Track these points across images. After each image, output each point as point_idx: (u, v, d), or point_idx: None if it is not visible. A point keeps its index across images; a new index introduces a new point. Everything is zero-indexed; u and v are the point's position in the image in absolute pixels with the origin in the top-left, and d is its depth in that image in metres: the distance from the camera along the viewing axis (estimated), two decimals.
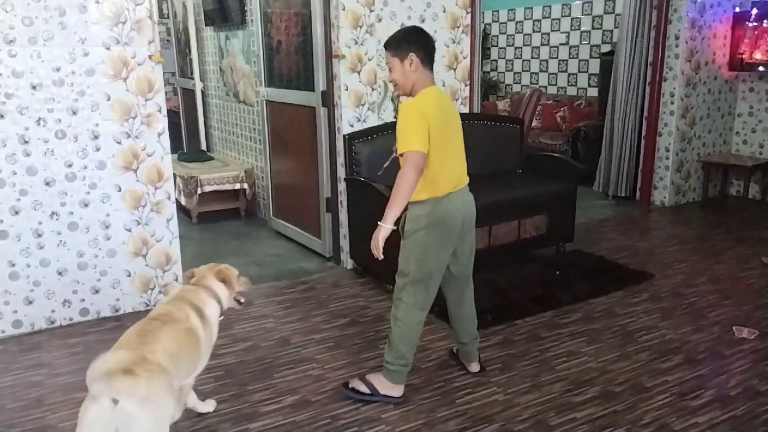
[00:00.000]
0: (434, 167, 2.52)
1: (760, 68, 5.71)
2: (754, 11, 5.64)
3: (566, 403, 2.74)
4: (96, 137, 3.45)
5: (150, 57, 3.50)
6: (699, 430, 2.55)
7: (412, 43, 2.54)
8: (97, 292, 3.62)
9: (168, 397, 2.02)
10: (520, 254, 4.45)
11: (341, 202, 4.33)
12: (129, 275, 3.68)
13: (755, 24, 5.67)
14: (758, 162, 5.89)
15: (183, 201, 5.50)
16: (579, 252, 4.62)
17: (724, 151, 6.24)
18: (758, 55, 5.70)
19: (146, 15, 3.46)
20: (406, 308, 2.67)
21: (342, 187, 4.29)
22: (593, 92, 7.41)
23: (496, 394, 2.81)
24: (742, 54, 5.80)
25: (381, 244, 2.51)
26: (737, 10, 5.81)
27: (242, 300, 2.64)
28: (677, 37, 5.60)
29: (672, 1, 5.57)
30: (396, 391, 2.75)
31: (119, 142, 3.51)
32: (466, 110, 4.72)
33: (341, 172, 4.27)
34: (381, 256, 2.53)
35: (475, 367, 2.97)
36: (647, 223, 5.55)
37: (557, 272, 4.24)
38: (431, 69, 2.61)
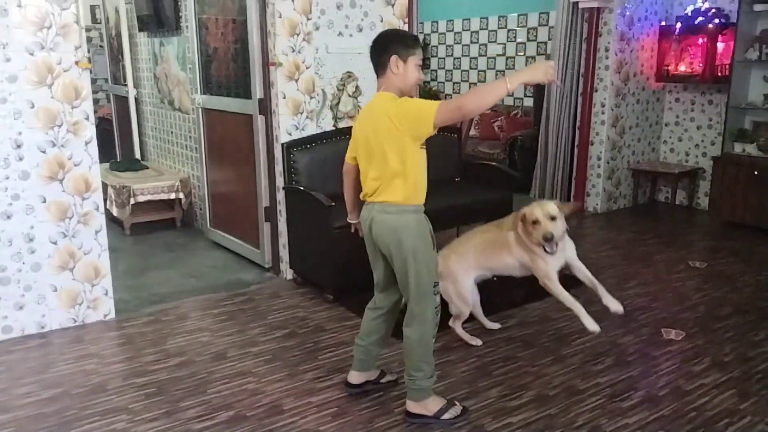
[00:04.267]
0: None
1: (685, 79, 5.97)
2: (678, 25, 5.91)
3: (502, 408, 2.77)
4: (19, 146, 3.30)
5: (77, 63, 3.38)
6: (629, 430, 2.62)
7: None
8: (21, 308, 3.45)
9: (459, 275, 3.26)
10: None
11: (280, 211, 4.28)
12: (55, 290, 3.52)
13: (679, 37, 5.94)
14: (684, 169, 6.15)
15: (115, 212, 5.32)
16: None
17: (653, 159, 6.49)
18: (683, 67, 5.97)
19: (72, 20, 3.34)
20: None
21: (281, 196, 4.24)
22: (529, 102, 7.58)
23: None
24: (668, 66, 6.06)
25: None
26: (663, 23, 6.08)
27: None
28: (607, 50, 5.80)
29: (602, 14, 5.77)
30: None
31: (44, 151, 3.37)
32: None
33: (280, 181, 4.22)
34: None
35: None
36: (580, 229, 5.71)
37: (494, 278, 4.29)
38: (378, 75, 2.56)
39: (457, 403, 2.72)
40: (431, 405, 2.65)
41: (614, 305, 3.10)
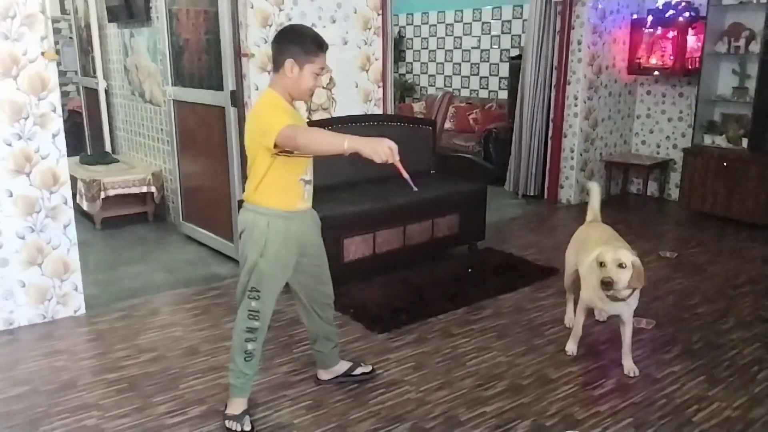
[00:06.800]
0: None
1: (656, 72, 6.05)
2: (650, 18, 5.97)
3: (476, 398, 2.79)
4: None
5: (43, 54, 3.30)
6: (601, 418, 2.65)
7: None
8: None
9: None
10: (434, 253, 4.51)
11: None
12: (23, 286, 3.45)
13: (651, 30, 6.00)
14: (655, 161, 6.24)
15: (85, 206, 5.23)
16: (490, 249, 4.73)
17: (625, 151, 6.57)
18: (654, 60, 6.04)
19: (38, 9, 3.26)
20: None
21: None
22: (504, 95, 7.62)
23: (409, 393, 2.82)
24: (640, 58, 6.13)
25: None
26: (635, 17, 6.13)
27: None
28: (580, 42, 5.84)
29: (575, 7, 5.81)
30: None
31: (10, 144, 3.29)
32: (379, 111, 4.75)
33: None
34: None
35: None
36: (554, 220, 5.77)
37: (469, 270, 4.33)
38: (273, 69, 2.41)
39: (246, 420, 2.53)
40: (232, 405, 2.56)
41: (628, 365, 3.03)
